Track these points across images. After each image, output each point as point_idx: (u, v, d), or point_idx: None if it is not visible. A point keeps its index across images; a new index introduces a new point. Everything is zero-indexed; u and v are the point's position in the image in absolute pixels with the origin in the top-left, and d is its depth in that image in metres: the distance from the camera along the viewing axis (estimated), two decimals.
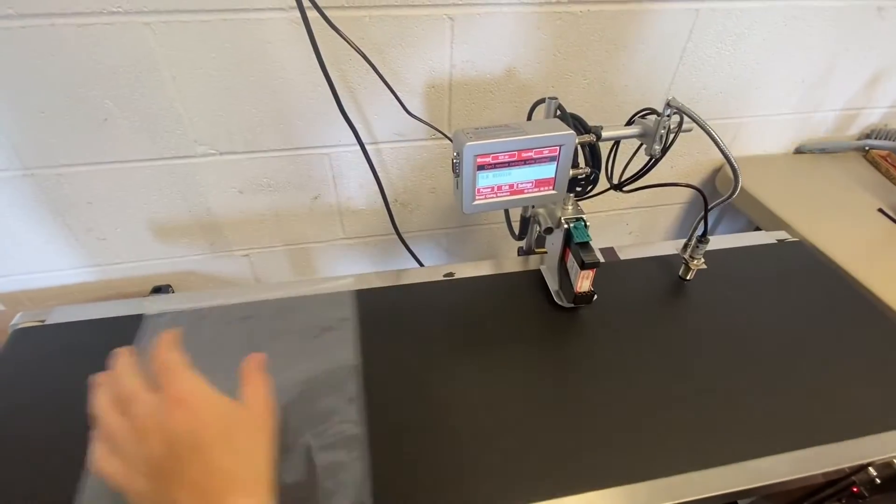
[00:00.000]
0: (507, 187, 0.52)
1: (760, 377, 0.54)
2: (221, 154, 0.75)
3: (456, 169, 0.50)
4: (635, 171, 0.61)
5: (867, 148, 1.01)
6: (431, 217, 0.92)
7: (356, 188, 0.84)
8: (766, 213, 0.87)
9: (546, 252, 0.70)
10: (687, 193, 1.05)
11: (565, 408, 0.51)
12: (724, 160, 1.02)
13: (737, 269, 0.68)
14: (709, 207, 0.59)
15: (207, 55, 0.64)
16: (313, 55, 0.59)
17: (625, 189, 0.63)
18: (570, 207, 0.59)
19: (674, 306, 0.62)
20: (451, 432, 0.48)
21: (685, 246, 0.66)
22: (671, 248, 0.71)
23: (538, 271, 0.67)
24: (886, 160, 0.97)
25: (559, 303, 0.62)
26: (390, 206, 0.77)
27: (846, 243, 0.77)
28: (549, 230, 0.58)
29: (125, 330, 0.57)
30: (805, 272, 0.68)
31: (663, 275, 0.67)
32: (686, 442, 0.47)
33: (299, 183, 0.81)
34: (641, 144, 0.60)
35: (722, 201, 0.59)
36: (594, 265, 0.55)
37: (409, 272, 0.67)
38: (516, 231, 0.72)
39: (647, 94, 0.84)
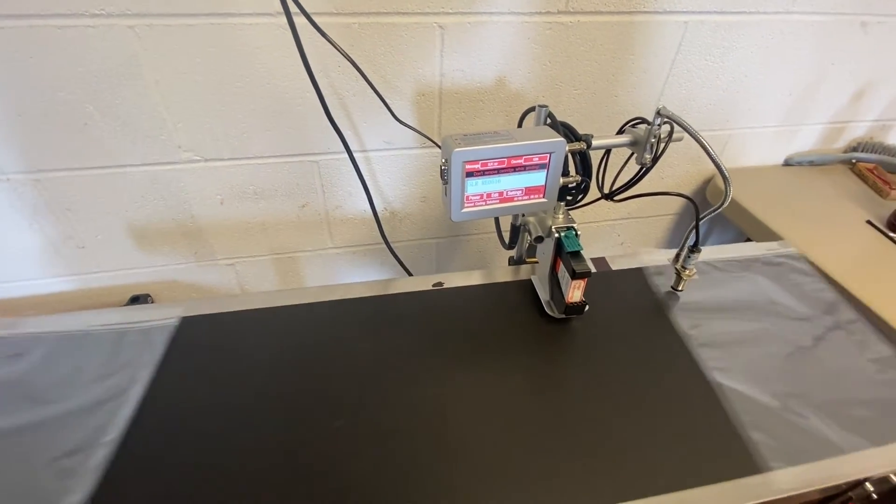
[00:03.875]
0: (496, 195, 0.51)
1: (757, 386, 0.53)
2: (206, 161, 0.73)
3: (444, 176, 0.49)
4: (626, 181, 0.61)
5: (854, 161, 1.02)
6: (421, 226, 0.91)
7: (345, 196, 0.83)
8: (756, 224, 0.87)
9: (537, 262, 0.69)
10: (678, 204, 1.05)
11: (554, 422, 0.49)
12: (715, 171, 1.04)
13: (728, 280, 0.67)
14: (700, 217, 0.59)
15: (193, 60, 0.63)
16: (301, 64, 0.58)
17: (616, 198, 0.63)
18: (560, 216, 0.58)
19: (665, 317, 0.61)
20: (437, 440, 0.46)
21: (677, 256, 0.65)
22: (663, 258, 0.71)
23: (529, 281, 0.66)
24: (873, 173, 0.98)
25: (550, 313, 0.61)
26: (379, 215, 0.76)
27: (837, 254, 0.77)
28: (540, 239, 0.57)
29: None
30: (797, 283, 0.68)
31: (655, 285, 0.66)
32: (683, 454, 0.46)
33: (287, 191, 0.80)
34: (632, 154, 0.59)
35: (713, 211, 0.58)
36: (585, 275, 0.54)
37: (397, 282, 0.65)
38: (507, 240, 0.71)
39: (637, 104, 0.84)
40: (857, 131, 1.04)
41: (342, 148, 0.67)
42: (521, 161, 0.49)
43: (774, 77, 0.88)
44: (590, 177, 0.57)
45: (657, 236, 1.12)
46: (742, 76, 0.86)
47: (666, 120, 0.53)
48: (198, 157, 0.72)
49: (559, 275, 0.59)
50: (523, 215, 0.60)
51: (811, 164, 1.03)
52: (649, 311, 0.62)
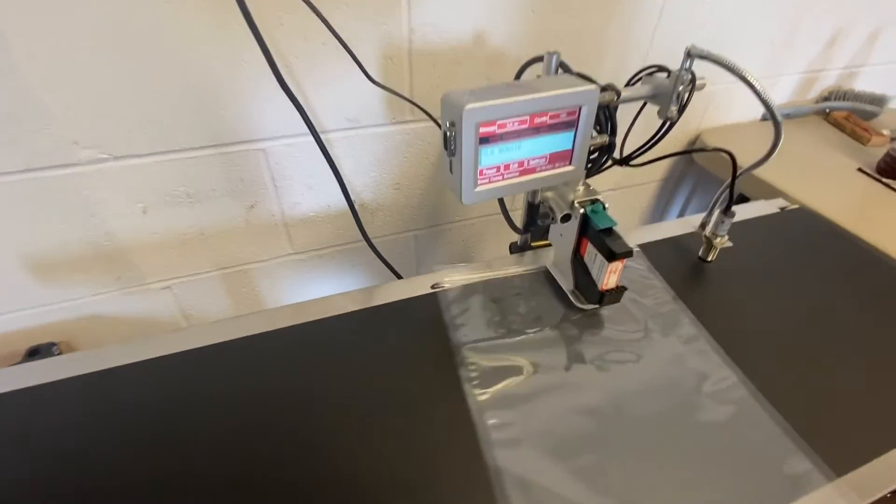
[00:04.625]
0: (515, 166, 0.40)
1: (830, 361, 0.46)
2: (117, 158, 0.56)
3: (450, 145, 0.37)
4: (644, 142, 0.51)
5: (827, 111, 1.00)
6: (396, 218, 0.78)
7: (303, 190, 0.69)
8: (755, 182, 0.81)
9: (549, 244, 0.59)
10: (662, 169, 0.99)
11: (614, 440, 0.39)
12: (701, 131, 0.99)
13: (753, 243, 0.60)
14: (738, 174, 0.51)
15: (79, 22, 0.47)
16: (231, 19, 0.44)
17: (632, 163, 0.54)
18: (581, 188, 0.48)
19: (703, 291, 0.53)
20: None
21: (703, 224, 0.58)
22: (679, 228, 0.63)
23: (543, 270, 0.56)
24: (849, 121, 0.96)
25: (578, 304, 0.51)
26: (354, 206, 0.63)
27: (842, 205, 0.73)
28: (567, 217, 0.46)
29: None
30: (817, 237, 0.62)
31: (681, 258, 0.58)
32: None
33: (228, 189, 0.64)
34: (642, 107, 0.50)
35: (758, 164, 0.50)
36: (626, 255, 0.44)
37: (386, 288, 0.53)
38: (520, 222, 0.60)
39: (625, 57, 0.75)
40: (828, 81, 1.02)
41: (293, 130, 0.54)
42: (545, 119, 0.38)
43: (757, 23, 0.82)
44: (615, 136, 0.47)
45: (641, 207, 1.06)
46: (727, 23, 0.79)
47: (695, 62, 0.44)
48: (104, 155, 0.56)
49: (586, 258, 0.49)
50: (540, 190, 0.49)
51: (787, 116, 1.00)
52: (684, 288, 0.54)
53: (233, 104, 0.57)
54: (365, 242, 0.54)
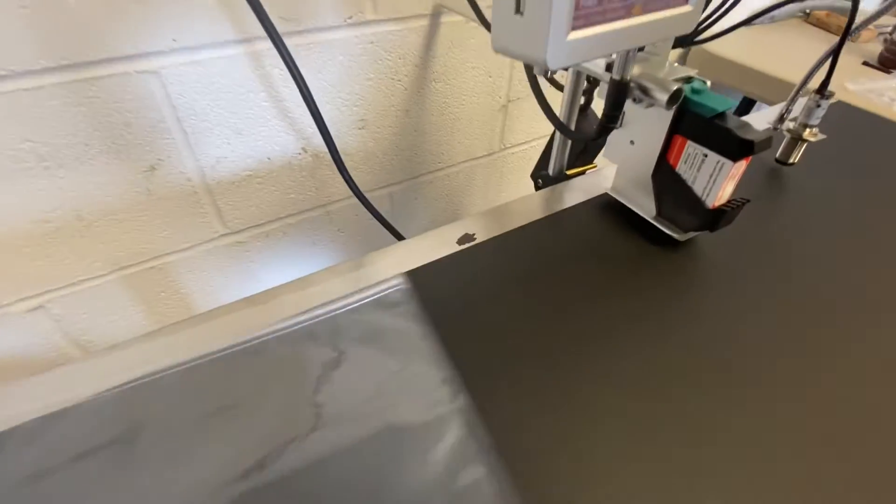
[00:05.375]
0: (618, 3, 0.23)
1: None
2: None
3: None
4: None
5: (808, 11, 0.93)
6: (364, 171, 0.59)
7: (228, 137, 0.47)
8: (769, 83, 0.72)
9: (594, 167, 0.43)
10: None
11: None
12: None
13: (818, 144, 0.49)
14: (849, 32, 0.38)
15: None
16: None
17: (697, 39, 0.39)
18: (665, 68, 0.32)
19: (804, 210, 0.41)
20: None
21: (782, 116, 0.45)
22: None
23: (596, 203, 0.40)
24: (832, 18, 0.90)
25: (673, 234, 0.36)
26: (297, 163, 0.43)
27: (869, 97, 0.65)
28: (675, 98, 0.30)
29: None
30: (870, 130, 0.52)
31: (751, 166, 0.45)
32: None
33: (109, 142, 0.42)
34: None
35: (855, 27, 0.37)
36: (764, 146, 0.30)
37: (391, 252, 0.35)
38: (571, 122, 0.43)
39: None
40: None
41: (205, 37, 0.33)
42: None
43: None
44: None
45: None
46: None
47: None
48: None
49: (682, 167, 0.34)
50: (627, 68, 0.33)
51: (772, 20, 0.92)
52: (780, 208, 0.41)
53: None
54: (325, 209, 0.35)
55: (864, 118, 0.54)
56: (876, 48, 0.79)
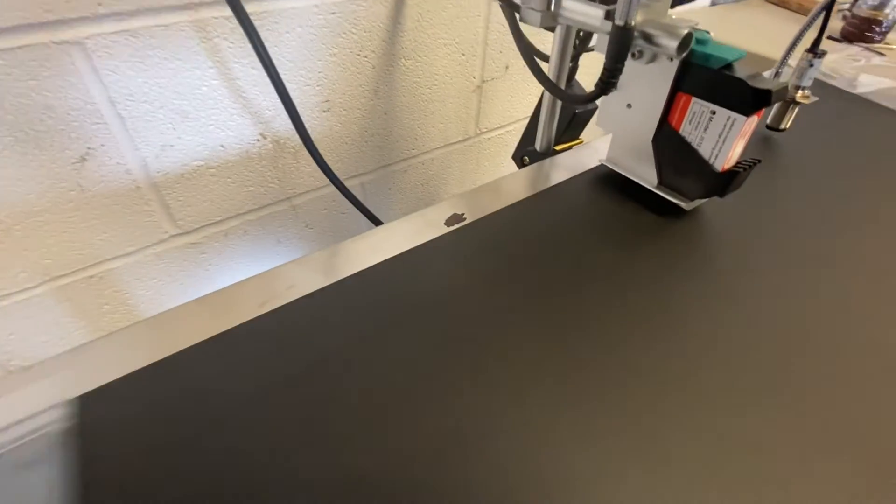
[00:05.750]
0: None
1: None
2: None
3: None
4: None
5: None
6: (332, 158, 0.54)
7: (174, 121, 0.41)
8: (753, 59, 0.72)
9: (581, 142, 0.40)
10: None
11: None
12: None
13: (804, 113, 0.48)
14: None
15: None
16: None
17: None
18: (667, 13, 0.30)
19: (809, 176, 0.39)
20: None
21: (775, 74, 0.43)
22: None
23: (591, 176, 0.37)
24: None
25: (679, 203, 0.33)
26: (256, 151, 0.38)
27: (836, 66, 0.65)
28: (685, 45, 0.27)
29: None
30: (848, 103, 0.52)
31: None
32: None
33: (27, 128, 0.35)
34: None
35: None
36: (780, 95, 0.27)
37: (372, 236, 0.30)
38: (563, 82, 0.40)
39: None
40: None
41: (135, 3, 0.28)
42: None
43: None
44: None
45: None
46: None
47: None
48: None
49: (685, 128, 0.31)
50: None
51: (736, 0, 0.93)
52: (772, 174, 0.39)
53: None
54: (290, 203, 0.31)
55: (834, 91, 0.54)
56: (837, 24, 0.81)
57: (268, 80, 0.41)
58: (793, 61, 0.41)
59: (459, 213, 0.32)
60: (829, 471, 0.20)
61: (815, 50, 0.39)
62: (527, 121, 0.58)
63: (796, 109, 0.42)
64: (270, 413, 0.21)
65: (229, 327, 0.24)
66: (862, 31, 0.76)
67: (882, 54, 0.72)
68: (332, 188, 0.55)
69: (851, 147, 0.42)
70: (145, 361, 0.23)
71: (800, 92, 0.41)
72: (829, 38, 0.78)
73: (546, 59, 0.39)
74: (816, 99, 0.42)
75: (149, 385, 0.22)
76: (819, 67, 0.40)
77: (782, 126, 0.43)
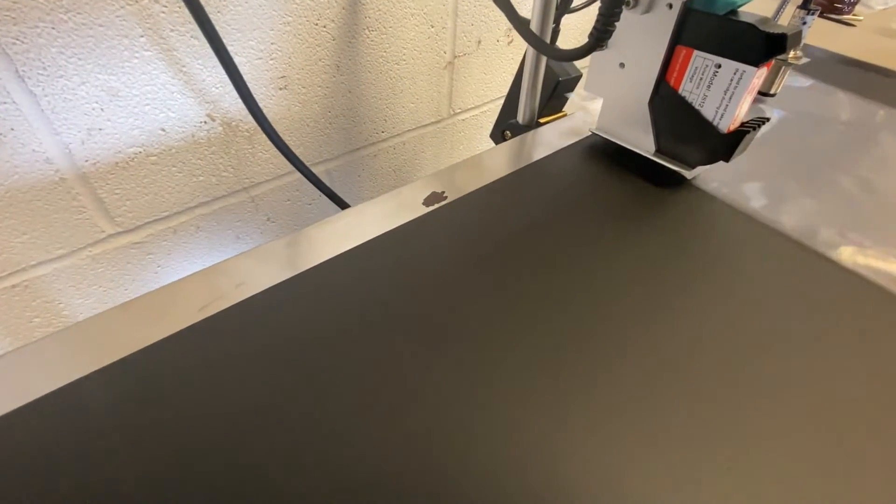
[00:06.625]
0: None
1: None
2: None
3: None
4: None
5: None
6: (294, 142, 0.49)
7: (101, 100, 0.36)
8: None
9: (564, 115, 0.37)
10: None
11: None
12: None
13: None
14: None
15: None
16: None
17: None
18: None
19: (813, 138, 0.36)
20: None
21: None
22: None
23: (581, 146, 0.34)
24: None
25: (680, 170, 0.30)
26: (204, 135, 0.33)
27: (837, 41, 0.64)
28: None
29: None
30: (844, 69, 0.50)
31: None
32: None
33: None
34: None
35: None
36: (795, 40, 0.24)
37: (337, 220, 0.26)
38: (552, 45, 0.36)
39: None
40: None
41: None
42: None
43: None
44: None
45: None
46: None
47: None
48: None
49: (685, 87, 0.28)
50: None
51: None
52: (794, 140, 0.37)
53: None
54: (248, 194, 0.27)
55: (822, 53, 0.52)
56: None
57: (212, 53, 0.36)
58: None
59: (439, 191, 0.28)
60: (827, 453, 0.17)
61: (807, 6, 0.37)
62: (502, 101, 0.54)
63: (787, 72, 0.40)
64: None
65: (159, 339, 0.20)
66: (831, 3, 0.75)
67: (852, 25, 0.71)
68: (295, 176, 0.50)
69: (840, 108, 0.40)
70: (37, 392, 0.18)
71: (791, 53, 0.39)
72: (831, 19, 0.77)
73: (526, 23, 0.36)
74: (808, 60, 0.39)
75: (38, 423, 0.17)
76: (811, 24, 0.38)
77: (772, 91, 0.41)
